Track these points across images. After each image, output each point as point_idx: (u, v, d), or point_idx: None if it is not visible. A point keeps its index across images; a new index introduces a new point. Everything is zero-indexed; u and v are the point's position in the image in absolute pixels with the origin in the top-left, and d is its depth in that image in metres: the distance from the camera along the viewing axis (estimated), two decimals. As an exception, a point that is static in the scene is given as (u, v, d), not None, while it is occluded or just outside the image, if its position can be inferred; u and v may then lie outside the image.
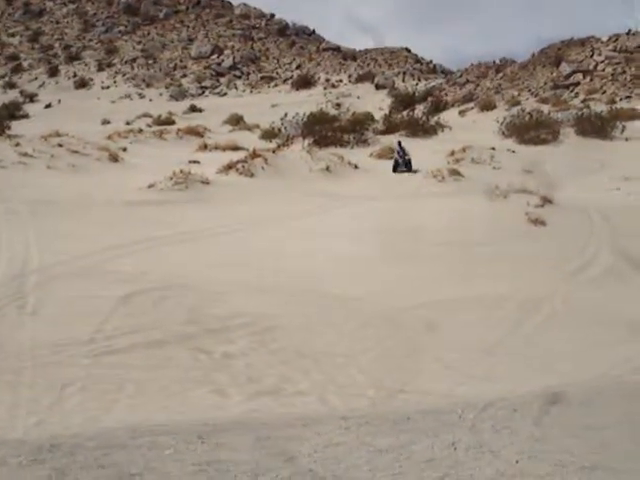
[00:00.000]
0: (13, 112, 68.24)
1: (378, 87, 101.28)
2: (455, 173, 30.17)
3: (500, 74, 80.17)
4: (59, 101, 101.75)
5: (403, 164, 32.10)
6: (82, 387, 8.90)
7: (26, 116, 70.68)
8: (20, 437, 7.28)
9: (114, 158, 33.95)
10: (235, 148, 38.73)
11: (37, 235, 17.42)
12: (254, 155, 32.25)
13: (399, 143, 33.48)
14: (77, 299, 12.45)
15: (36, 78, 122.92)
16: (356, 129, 43.89)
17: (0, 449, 6.45)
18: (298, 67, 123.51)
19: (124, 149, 38.32)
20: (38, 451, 6.37)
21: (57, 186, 25.25)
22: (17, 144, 32.78)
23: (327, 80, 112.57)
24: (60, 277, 13.84)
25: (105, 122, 71.42)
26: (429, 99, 76.15)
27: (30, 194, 22.92)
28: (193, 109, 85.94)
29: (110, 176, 29.15)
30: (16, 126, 53.14)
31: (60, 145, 33.34)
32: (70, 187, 25.17)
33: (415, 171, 31.64)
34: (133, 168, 31.81)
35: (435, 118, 50.78)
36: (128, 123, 68.44)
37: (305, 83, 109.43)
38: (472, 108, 65.39)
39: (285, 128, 44.88)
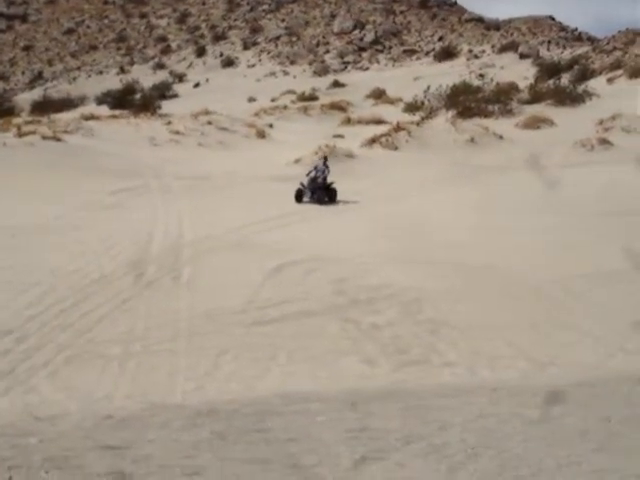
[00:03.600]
0: (163, 92, 70.47)
1: (522, 56, 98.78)
2: (605, 142, 29.20)
3: (649, 40, 76.76)
4: (207, 80, 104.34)
5: (313, 191, 21.18)
6: (236, 355, 9.19)
7: (176, 96, 72.67)
8: (179, 402, 7.62)
9: (261, 135, 34.70)
10: (378, 122, 38.78)
11: (190, 209, 18.07)
12: (398, 128, 32.24)
13: (324, 159, 22.77)
14: (229, 271, 12.85)
15: (184, 58, 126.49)
16: (500, 99, 43.12)
17: (161, 413, 6.74)
18: (440, 39, 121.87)
19: (270, 125, 39.08)
20: (197, 415, 6.63)
21: (207, 162, 26.03)
22: (169, 122, 33.93)
23: (470, 51, 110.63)
24: (212, 250, 14.30)
25: (251, 100, 72.75)
26: (575, 67, 73.67)
27: (182, 170, 23.75)
28: (336, 84, 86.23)
29: (257, 152, 29.81)
30: (167, 105, 54.90)
31: (209, 123, 34.33)
32: (219, 163, 25.92)
33: (338, 202, 21.15)
34: (279, 144, 32.39)
35: (582, 86, 49.15)
36: (273, 100, 69.42)
37: (447, 55, 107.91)
38: (620, 75, 62.78)
39: (428, 100, 44.55)
